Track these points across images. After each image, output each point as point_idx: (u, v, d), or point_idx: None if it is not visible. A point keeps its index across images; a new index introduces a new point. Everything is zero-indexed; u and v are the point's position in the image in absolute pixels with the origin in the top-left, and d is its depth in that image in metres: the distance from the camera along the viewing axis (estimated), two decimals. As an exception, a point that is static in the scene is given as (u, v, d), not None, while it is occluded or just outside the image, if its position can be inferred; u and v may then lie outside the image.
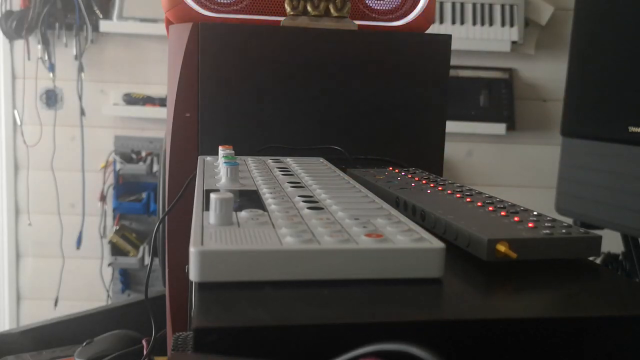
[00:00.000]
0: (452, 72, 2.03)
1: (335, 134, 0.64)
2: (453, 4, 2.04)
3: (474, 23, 2.05)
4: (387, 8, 0.68)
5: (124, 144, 2.08)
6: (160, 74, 2.06)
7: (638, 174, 0.51)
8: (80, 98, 2.07)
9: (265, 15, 0.65)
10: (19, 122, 2.11)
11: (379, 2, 0.68)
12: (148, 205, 2.06)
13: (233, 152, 0.52)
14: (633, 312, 0.27)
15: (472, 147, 2.05)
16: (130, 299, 1.80)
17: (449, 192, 0.44)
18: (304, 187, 0.43)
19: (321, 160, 0.57)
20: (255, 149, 0.61)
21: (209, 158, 0.55)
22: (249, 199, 0.38)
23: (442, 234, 0.36)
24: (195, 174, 0.48)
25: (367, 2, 0.67)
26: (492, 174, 2.09)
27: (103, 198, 2.10)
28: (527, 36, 2.08)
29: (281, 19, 0.64)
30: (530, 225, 0.35)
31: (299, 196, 0.39)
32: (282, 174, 0.47)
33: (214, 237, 0.29)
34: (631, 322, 0.26)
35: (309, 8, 0.63)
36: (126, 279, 2.13)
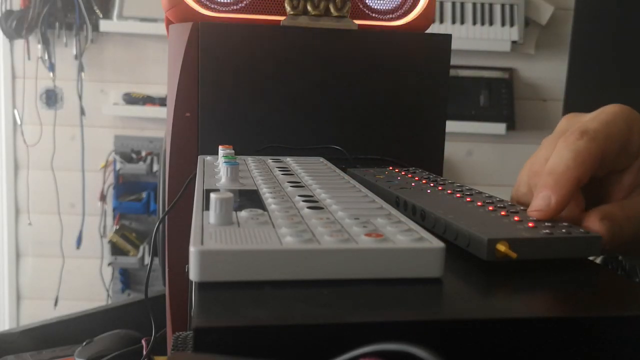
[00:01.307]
0: (452, 72, 2.03)
1: (335, 134, 0.64)
2: (453, 4, 2.05)
3: (474, 23, 2.05)
4: (387, 8, 0.68)
5: (124, 143, 2.09)
6: (160, 74, 2.06)
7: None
8: (80, 98, 2.07)
9: (265, 15, 0.65)
10: (19, 122, 2.11)
11: (379, 1, 0.68)
12: (148, 205, 2.06)
13: (233, 152, 0.52)
14: (633, 312, 0.27)
15: (472, 147, 2.05)
16: (130, 299, 1.81)
17: (449, 192, 0.44)
18: (304, 186, 0.43)
19: (321, 160, 0.57)
20: (255, 149, 0.61)
21: (209, 158, 0.55)
22: (249, 198, 0.38)
23: (442, 234, 0.36)
24: (195, 174, 0.48)
25: (367, 1, 0.67)
26: (492, 174, 2.09)
27: (103, 198, 2.10)
28: (527, 36, 2.08)
29: (281, 18, 0.64)
30: (530, 225, 0.35)
31: (299, 196, 0.39)
32: (282, 174, 0.47)
33: (214, 236, 0.29)
34: (631, 322, 0.26)
35: (309, 8, 0.63)
36: (126, 278, 2.13)
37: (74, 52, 2.05)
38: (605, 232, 0.36)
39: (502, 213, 0.37)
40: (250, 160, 0.54)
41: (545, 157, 0.40)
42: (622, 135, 0.38)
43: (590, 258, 0.35)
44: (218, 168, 0.48)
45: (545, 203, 0.36)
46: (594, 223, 0.36)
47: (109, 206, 2.11)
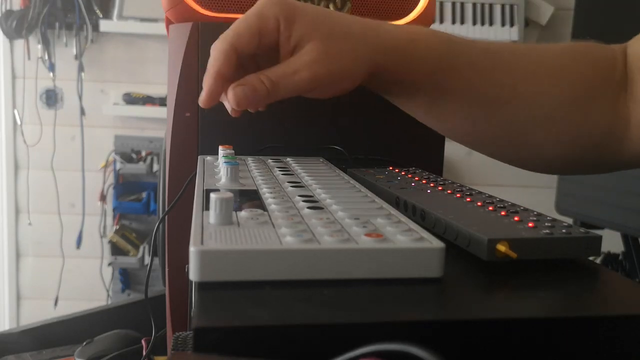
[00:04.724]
0: (452, 72, 2.02)
1: (335, 134, 0.64)
2: (453, 4, 2.04)
3: (474, 23, 2.05)
4: (387, 8, 0.68)
5: (124, 143, 2.08)
6: (160, 74, 2.06)
7: (638, 173, 0.51)
8: (80, 98, 2.07)
9: (266, 15, 0.64)
10: (19, 122, 2.11)
11: (379, 1, 0.68)
12: (148, 204, 2.06)
13: (233, 152, 0.52)
14: (633, 312, 0.27)
15: (472, 147, 2.05)
16: (130, 299, 1.80)
17: (449, 192, 0.44)
18: (304, 186, 0.43)
19: (321, 160, 0.57)
20: (255, 149, 0.61)
21: (209, 158, 0.55)
22: (249, 198, 0.38)
23: (442, 234, 0.36)
24: (195, 174, 0.48)
25: (367, 1, 0.67)
26: (492, 174, 2.09)
27: (103, 198, 2.10)
28: (528, 36, 2.08)
29: (281, 18, 0.64)
30: (530, 225, 0.35)
31: (299, 196, 0.39)
32: (282, 174, 0.47)
33: (214, 236, 0.29)
34: (631, 322, 0.26)
35: (309, 8, 0.63)
36: (126, 278, 2.13)
37: (74, 52, 2.05)
38: (233, 97, 0.44)
39: (502, 213, 0.38)
40: (250, 160, 0.54)
41: None
42: (253, 27, 0.46)
43: (590, 258, 0.35)
44: (218, 168, 0.48)
45: (203, 95, 0.45)
46: (229, 92, 0.45)
47: (109, 206, 2.11)
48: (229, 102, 0.45)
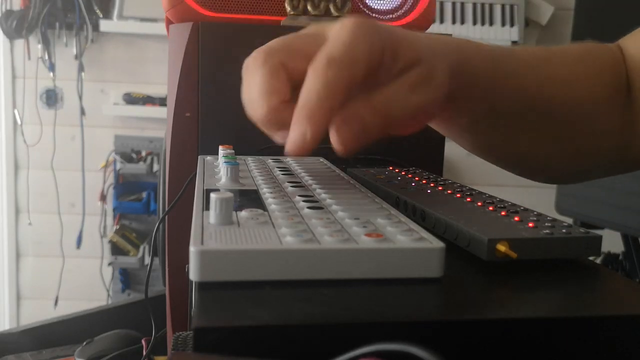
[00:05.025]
0: (452, 72, 2.02)
1: (336, 133, 0.64)
2: (453, 4, 2.04)
3: (474, 23, 2.05)
4: (387, 8, 0.68)
5: (124, 143, 2.09)
6: (160, 74, 2.06)
7: (638, 174, 0.51)
8: (80, 98, 2.07)
9: (265, 15, 0.65)
10: (19, 122, 2.11)
11: (379, 1, 0.68)
12: (148, 204, 2.06)
13: (233, 152, 0.52)
14: (633, 312, 0.27)
15: (472, 147, 2.05)
16: (130, 299, 1.81)
17: (449, 192, 0.44)
18: (304, 186, 0.43)
19: (321, 160, 0.57)
20: (255, 149, 0.61)
21: (209, 158, 0.55)
22: (249, 198, 0.38)
23: (442, 234, 0.36)
24: (195, 174, 0.48)
25: (367, 2, 0.67)
26: (492, 174, 2.09)
27: (103, 197, 2.10)
28: (528, 36, 2.08)
29: (281, 18, 0.64)
30: (530, 225, 0.35)
31: (299, 196, 0.39)
32: (282, 174, 0.47)
33: (214, 236, 0.29)
34: (631, 322, 0.26)
35: (309, 8, 0.63)
36: (126, 278, 2.13)
37: (74, 52, 2.06)
38: (339, 140, 0.36)
39: (502, 213, 0.38)
40: (250, 160, 0.54)
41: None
42: (369, 54, 0.36)
43: (590, 258, 0.35)
44: (218, 168, 0.48)
45: (302, 138, 0.34)
46: (338, 129, 0.35)
47: (109, 206, 2.11)
48: (332, 142, 0.36)
